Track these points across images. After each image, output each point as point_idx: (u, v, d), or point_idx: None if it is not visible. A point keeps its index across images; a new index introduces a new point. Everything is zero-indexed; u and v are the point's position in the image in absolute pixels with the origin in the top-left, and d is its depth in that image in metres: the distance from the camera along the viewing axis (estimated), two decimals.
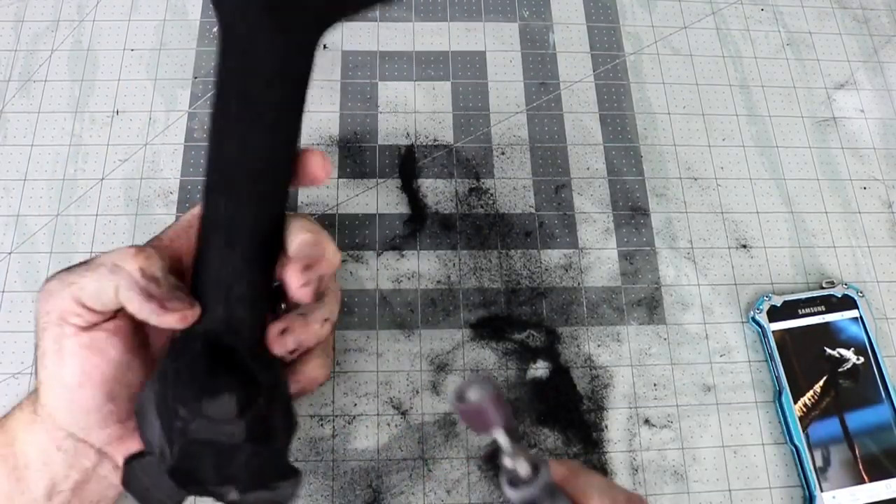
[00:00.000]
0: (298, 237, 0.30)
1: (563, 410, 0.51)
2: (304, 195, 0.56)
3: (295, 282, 0.29)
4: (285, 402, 0.31)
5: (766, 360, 0.54)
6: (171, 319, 0.29)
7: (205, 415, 0.28)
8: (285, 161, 0.30)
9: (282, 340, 0.30)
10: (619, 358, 0.53)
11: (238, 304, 0.30)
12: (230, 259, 0.29)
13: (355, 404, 0.51)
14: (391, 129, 0.59)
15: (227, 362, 0.29)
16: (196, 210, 0.33)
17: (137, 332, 0.32)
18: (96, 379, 0.30)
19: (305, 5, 0.26)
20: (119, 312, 0.30)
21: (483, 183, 0.58)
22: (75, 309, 0.29)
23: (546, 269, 0.56)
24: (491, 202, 0.57)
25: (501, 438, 0.27)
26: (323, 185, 0.57)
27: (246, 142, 0.28)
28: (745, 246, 0.58)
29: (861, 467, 0.50)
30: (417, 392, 0.51)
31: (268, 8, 0.25)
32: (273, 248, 0.30)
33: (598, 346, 0.54)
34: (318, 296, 0.31)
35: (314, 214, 0.56)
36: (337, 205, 0.56)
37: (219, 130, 0.29)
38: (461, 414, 0.26)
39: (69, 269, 0.30)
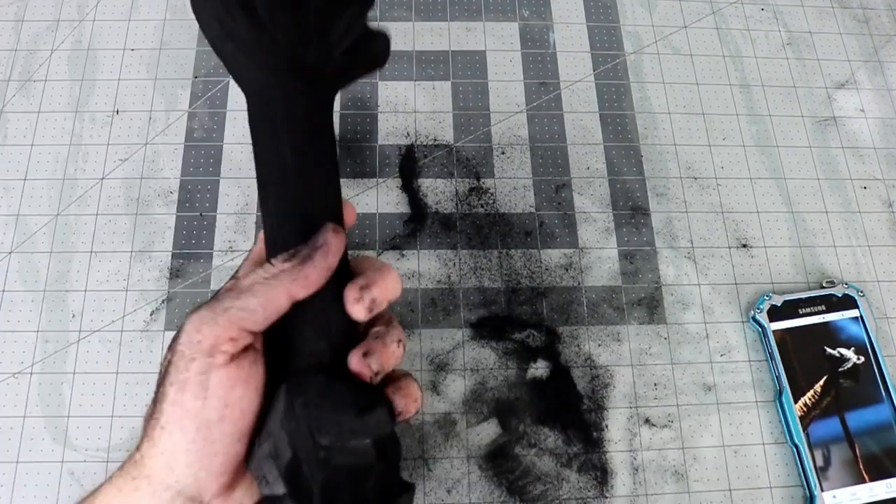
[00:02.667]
0: (366, 262, 0.33)
1: (564, 410, 0.51)
2: None
3: (351, 294, 0.31)
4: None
5: (767, 360, 0.54)
6: (333, 255, 0.30)
7: (354, 433, 0.29)
8: (338, 191, 0.32)
9: (366, 363, 0.31)
10: (619, 357, 0.53)
11: (339, 336, 0.31)
12: (325, 297, 0.31)
13: None
14: (391, 128, 0.59)
15: (357, 385, 0.30)
16: (260, 246, 0.33)
17: (264, 363, 0.31)
18: (236, 414, 0.29)
19: (322, 77, 0.30)
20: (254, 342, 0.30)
21: (483, 183, 0.58)
22: (232, 334, 0.28)
23: (546, 269, 0.56)
24: (491, 202, 0.57)
25: None
26: None
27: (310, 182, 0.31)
28: (745, 245, 0.58)
29: (861, 467, 0.50)
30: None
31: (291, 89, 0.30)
32: (350, 328, 0.33)
33: (599, 345, 0.54)
34: (384, 320, 0.33)
35: None
36: None
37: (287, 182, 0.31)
38: None
39: (215, 300, 0.29)
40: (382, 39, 0.34)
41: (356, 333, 0.33)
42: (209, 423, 0.28)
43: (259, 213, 0.55)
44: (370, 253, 0.55)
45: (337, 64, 0.31)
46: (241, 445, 0.30)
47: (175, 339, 0.29)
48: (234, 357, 0.29)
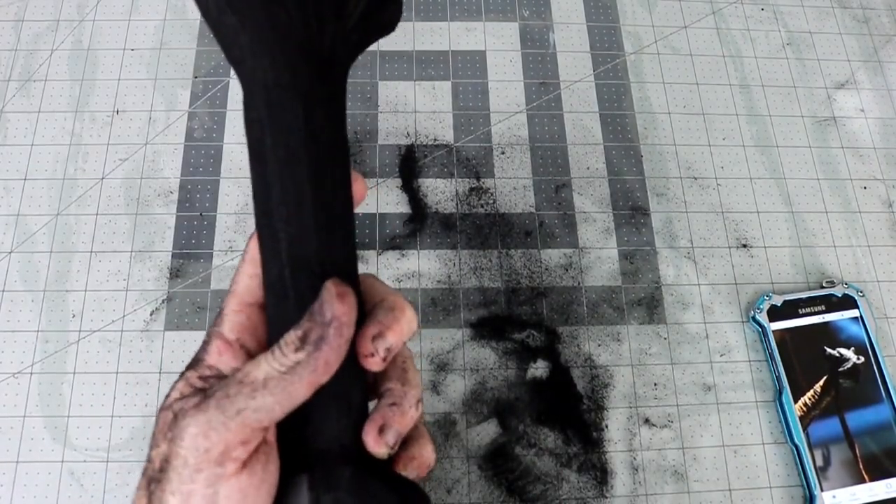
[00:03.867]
0: (375, 294, 0.28)
1: (563, 410, 0.51)
2: None
3: (363, 349, 0.26)
4: None
5: (767, 360, 0.54)
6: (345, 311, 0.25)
7: None
8: (353, 222, 0.27)
9: (383, 439, 0.27)
10: (618, 357, 0.53)
11: (359, 412, 0.27)
12: (345, 364, 0.26)
13: None
14: (391, 128, 0.59)
15: (386, 475, 0.26)
16: (248, 283, 0.29)
17: (277, 457, 0.27)
18: None
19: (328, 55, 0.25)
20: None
21: (483, 182, 0.58)
22: (244, 437, 0.25)
23: (546, 269, 0.56)
24: (491, 202, 0.57)
25: None
26: None
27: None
28: (745, 245, 0.58)
29: (861, 467, 0.50)
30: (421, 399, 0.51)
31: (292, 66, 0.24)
32: (363, 377, 0.28)
33: (598, 345, 0.54)
34: (397, 369, 0.29)
35: None
36: None
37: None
38: None
39: (222, 396, 0.25)
40: (395, 5, 0.27)
41: (368, 390, 0.28)
42: None
43: None
44: (370, 253, 0.55)
45: (349, 45, 0.26)
46: None
47: (172, 435, 0.25)
48: (246, 463, 0.25)
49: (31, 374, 0.51)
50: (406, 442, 0.29)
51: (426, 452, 0.29)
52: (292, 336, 0.25)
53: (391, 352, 0.27)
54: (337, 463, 0.26)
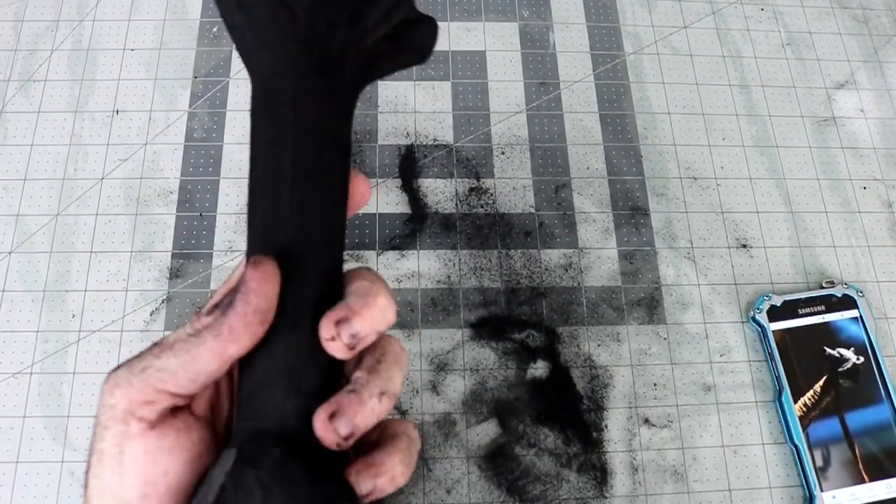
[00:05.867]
0: (353, 284, 0.27)
1: (563, 410, 0.51)
2: None
3: (324, 331, 0.25)
4: None
5: (766, 360, 0.54)
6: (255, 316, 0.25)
7: None
8: (342, 214, 0.27)
9: (332, 427, 0.25)
10: (618, 358, 0.53)
11: (311, 395, 0.25)
12: (299, 343, 0.25)
13: None
14: (391, 128, 0.59)
15: (320, 467, 0.25)
16: (235, 276, 0.28)
17: (206, 430, 0.27)
18: (161, 491, 0.24)
19: (344, 71, 0.26)
20: (191, 404, 0.26)
21: (483, 183, 0.58)
22: (148, 397, 0.24)
23: (546, 269, 0.56)
24: (491, 202, 0.57)
25: None
26: None
27: (309, 206, 0.26)
28: (745, 246, 0.58)
29: (861, 467, 0.50)
30: (417, 392, 0.51)
31: (314, 69, 0.25)
32: (330, 364, 0.27)
33: (598, 345, 0.54)
34: (373, 358, 0.27)
35: None
36: None
37: (273, 196, 0.26)
38: None
39: (136, 357, 0.25)
40: (428, 27, 0.28)
41: (339, 376, 0.27)
42: (128, 502, 0.24)
43: None
44: (370, 253, 0.55)
45: (367, 55, 0.26)
46: None
47: (99, 399, 0.25)
48: (154, 424, 0.25)
49: (31, 374, 0.51)
50: (367, 445, 0.27)
51: (390, 464, 0.26)
52: (209, 303, 0.25)
53: (358, 339, 0.25)
54: (270, 443, 0.25)
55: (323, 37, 0.25)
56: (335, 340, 0.25)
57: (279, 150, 0.26)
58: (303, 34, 0.25)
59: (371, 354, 0.27)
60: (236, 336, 0.24)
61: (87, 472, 0.24)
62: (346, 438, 0.25)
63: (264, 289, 0.24)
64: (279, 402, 0.25)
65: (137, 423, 0.24)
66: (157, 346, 0.25)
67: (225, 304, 0.24)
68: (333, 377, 0.26)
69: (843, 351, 0.53)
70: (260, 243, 0.26)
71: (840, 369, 0.53)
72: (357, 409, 0.25)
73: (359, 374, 0.26)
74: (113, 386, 0.24)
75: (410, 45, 0.28)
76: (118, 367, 0.25)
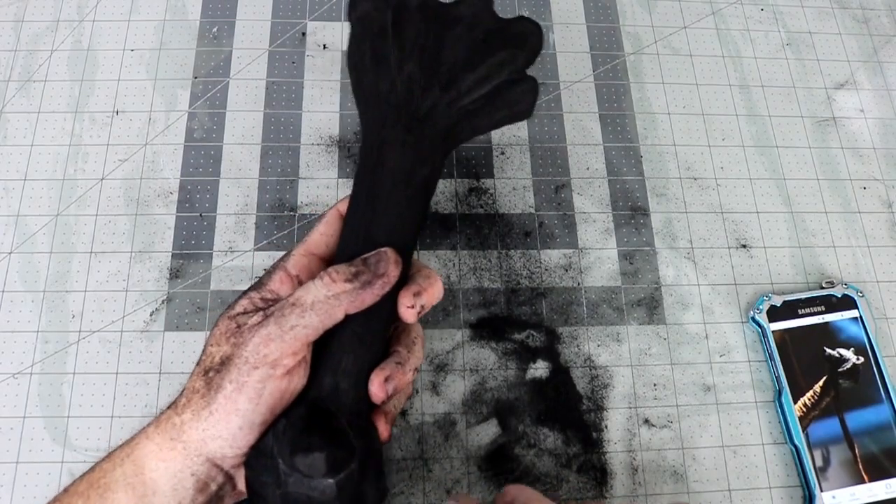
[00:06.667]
0: (417, 269, 0.36)
1: (563, 410, 0.51)
2: (304, 195, 0.56)
3: (405, 301, 0.34)
4: (377, 470, 0.34)
5: (766, 360, 0.54)
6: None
7: (298, 470, 0.31)
8: (409, 231, 0.35)
9: (385, 388, 0.34)
10: (618, 358, 0.53)
11: (344, 377, 0.33)
12: (344, 338, 0.33)
13: None
14: None
15: (324, 425, 0.32)
16: (335, 212, 0.38)
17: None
18: (268, 402, 0.32)
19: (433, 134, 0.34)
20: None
21: (483, 183, 0.58)
22: (295, 349, 0.32)
23: (546, 269, 0.56)
24: (491, 202, 0.57)
25: None
26: (323, 186, 0.57)
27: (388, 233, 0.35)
28: (745, 246, 0.58)
29: (861, 467, 0.50)
30: (417, 392, 0.51)
31: (404, 128, 0.33)
32: (385, 332, 0.35)
33: (598, 346, 0.54)
34: (409, 338, 0.37)
35: (313, 215, 0.56)
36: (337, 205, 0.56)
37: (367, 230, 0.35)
38: None
39: (279, 314, 0.32)
40: (527, 85, 0.34)
41: (384, 343, 0.35)
42: (252, 424, 0.32)
43: (258, 214, 0.55)
44: None
45: (462, 111, 0.33)
46: (265, 424, 0.33)
47: (236, 341, 0.32)
48: (290, 370, 0.32)
49: (31, 374, 0.51)
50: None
51: (395, 403, 0.37)
52: (344, 269, 0.32)
53: (425, 309, 0.35)
54: (303, 404, 0.33)
55: (413, 100, 0.33)
56: (413, 308, 0.34)
57: (362, 184, 0.35)
58: (396, 99, 0.33)
59: (407, 335, 0.37)
60: (363, 306, 0.33)
61: (210, 389, 0.31)
62: (389, 397, 0.34)
63: (394, 281, 0.33)
64: (319, 376, 0.33)
65: (282, 368, 0.32)
66: (294, 306, 0.32)
67: (364, 281, 0.32)
68: (382, 343, 0.35)
69: (843, 351, 0.53)
70: (363, 241, 0.34)
71: (840, 369, 0.53)
72: (400, 378, 0.34)
73: (402, 350, 0.36)
74: (268, 340, 0.31)
75: (507, 103, 0.34)
76: (265, 324, 0.32)
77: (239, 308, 0.34)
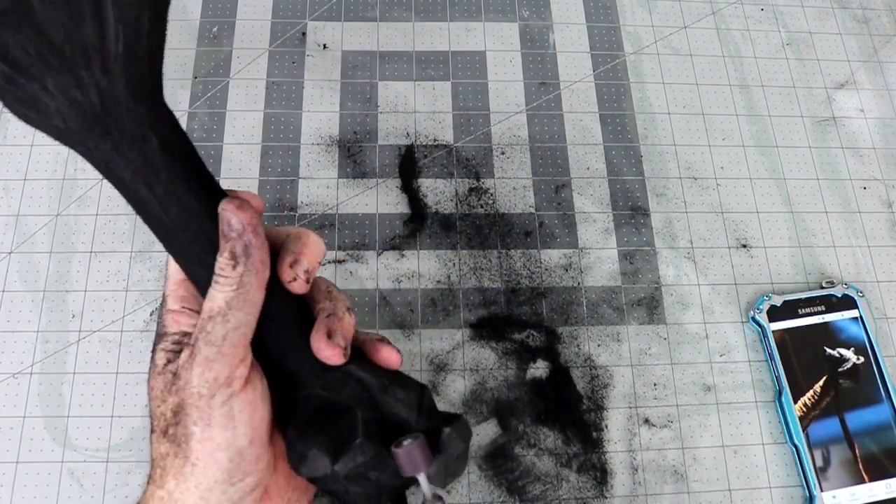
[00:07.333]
0: (285, 236, 0.32)
1: (563, 410, 0.51)
2: (304, 195, 0.56)
3: (285, 275, 0.31)
4: (396, 394, 0.31)
5: (766, 360, 0.54)
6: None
7: (329, 479, 0.29)
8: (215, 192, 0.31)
9: (335, 343, 0.31)
10: (618, 358, 0.53)
11: (301, 360, 0.31)
12: (271, 327, 0.31)
13: None
14: (391, 129, 0.59)
15: (330, 423, 0.30)
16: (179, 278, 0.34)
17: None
18: (261, 430, 0.30)
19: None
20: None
21: (483, 183, 0.58)
22: (240, 355, 0.29)
23: (546, 269, 0.56)
24: (491, 202, 0.57)
25: (423, 481, 0.29)
26: (323, 185, 0.57)
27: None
28: (745, 246, 0.58)
29: (861, 467, 0.50)
30: None
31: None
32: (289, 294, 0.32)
33: (598, 345, 0.54)
34: (322, 292, 0.33)
35: (313, 215, 0.56)
36: (337, 205, 0.56)
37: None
38: (395, 457, 0.29)
39: (202, 336, 0.29)
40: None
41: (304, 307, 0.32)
42: (241, 449, 0.29)
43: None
44: (370, 253, 0.55)
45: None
46: (267, 454, 0.30)
47: (178, 387, 0.29)
48: (248, 378, 0.29)
49: (31, 374, 0.51)
50: (365, 347, 0.33)
51: (384, 352, 0.33)
52: (223, 261, 0.29)
53: (310, 273, 0.31)
54: (297, 401, 0.31)
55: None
56: (296, 280, 0.31)
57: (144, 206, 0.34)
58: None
59: (317, 287, 0.33)
60: (266, 263, 0.29)
61: (178, 445, 0.28)
62: (345, 350, 0.31)
63: (258, 220, 0.30)
64: (293, 341, 0.31)
65: (239, 381, 0.29)
66: (212, 319, 0.29)
67: (242, 249, 0.29)
68: (303, 308, 0.32)
69: (843, 351, 0.53)
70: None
71: (840, 369, 0.53)
72: (340, 325, 0.31)
73: (324, 304, 0.32)
74: (209, 363, 0.28)
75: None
76: (196, 352, 0.28)
77: (160, 361, 0.31)
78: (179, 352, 0.30)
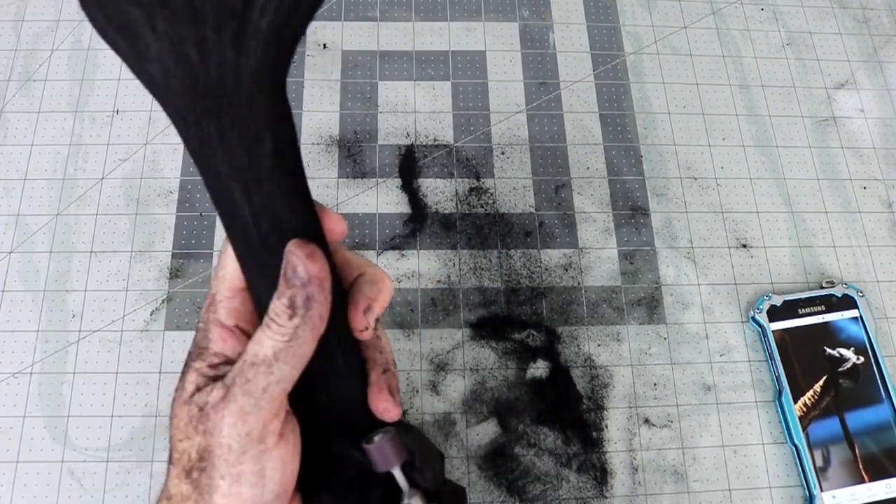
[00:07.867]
0: (355, 267, 0.30)
1: (563, 410, 0.51)
2: None
3: (357, 325, 0.29)
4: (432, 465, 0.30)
5: (766, 360, 0.54)
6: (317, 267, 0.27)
7: None
8: (315, 227, 0.28)
9: (395, 399, 0.30)
10: (618, 357, 0.53)
11: (343, 409, 0.30)
12: (319, 371, 0.28)
13: None
14: (391, 128, 0.59)
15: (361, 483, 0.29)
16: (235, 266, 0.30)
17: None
18: (289, 486, 0.28)
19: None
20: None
21: (483, 183, 0.58)
22: (276, 411, 0.27)
23: (546, 269, 0.56)
24: (491, 202, 0.57)
25: (398, 475, 0.29)
26: (323, 185, 0.57)
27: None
28: (745, 246, 0.58)
29: (861, 467, 0.50)
30: (417, 392, 0.51)
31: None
32: (349, 336, 0.30)
33: (598, 345, 0.54)
34: (374, 341, 0.32)
35: None
36: (337, 204, 0.56)
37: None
38: (367, 453, 0.29)
39: (241, 383, 0.27)
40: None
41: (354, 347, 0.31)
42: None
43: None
44: (370, 254, 0.55)
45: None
46: None
47: (206, 428, 0.27)
48: (282, 433, 0.28)
49: (31, 374, 0.51)
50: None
51: (384, 344, 0.33)
52: (280, 307, 0.26)
53: (378, 320, 0.30)
54: (333, 468, 0.29)
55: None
56: (368, 329, 0.29)
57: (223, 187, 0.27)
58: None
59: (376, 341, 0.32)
60: (324, 320, 0.27)
61: (206, 493, 0.26)
62: (401, 406, 0.30)
63: (328, 273, 0.27)
64: (349, 391, 0.29)
65: (273, 437, 0.27)
66: (256, 366, 0.26)
67: (304, 302, 0.26)
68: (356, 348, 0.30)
69: (843, 351, 0.53)
70: (261, 241, 0.27)
71: (840, 369, 0.53)
72: (395, 380, 0.31)
73: (376, 355, 0.31)
74: (244, 415, 0.26)
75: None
76: (232, 398, 0.26)
77: (190, 387, 0.28)
78: (213, 379, 0.28)
